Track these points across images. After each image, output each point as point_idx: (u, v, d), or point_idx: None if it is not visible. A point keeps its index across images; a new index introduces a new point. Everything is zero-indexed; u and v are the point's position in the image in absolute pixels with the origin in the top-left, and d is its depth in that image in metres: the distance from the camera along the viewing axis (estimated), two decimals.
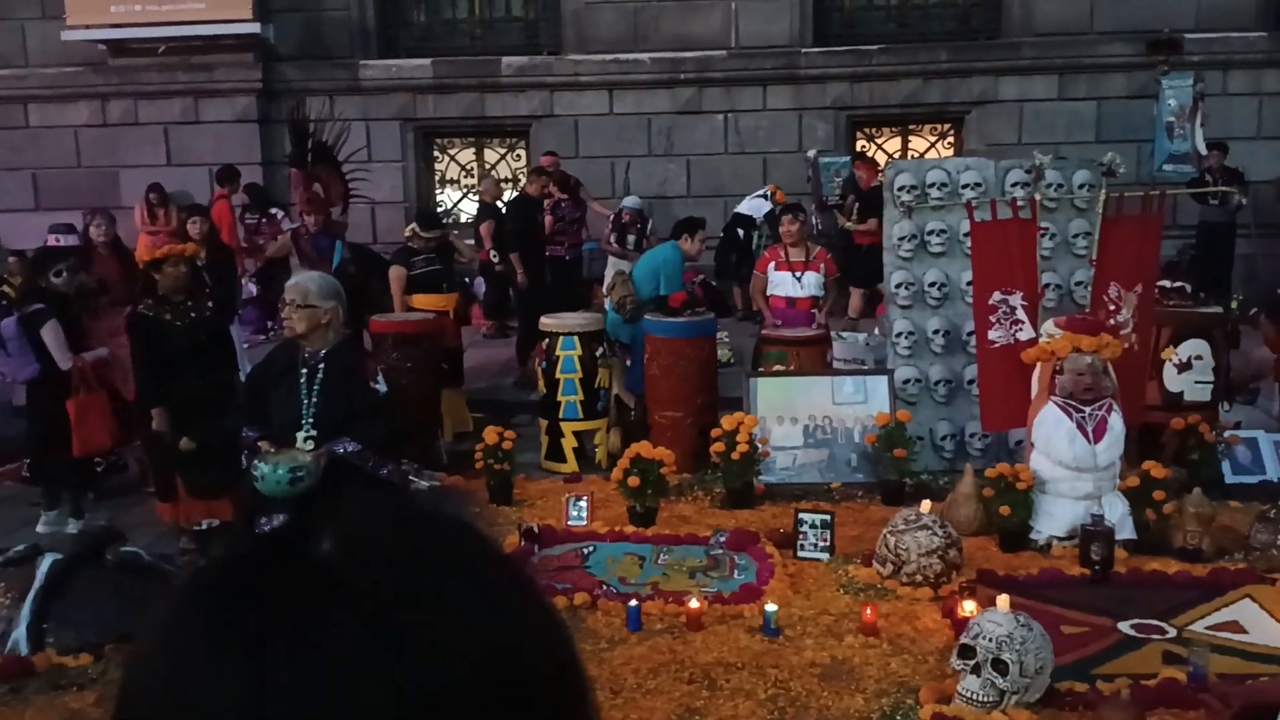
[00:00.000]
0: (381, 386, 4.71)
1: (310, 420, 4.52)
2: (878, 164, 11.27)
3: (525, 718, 0.57)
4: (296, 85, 12.01)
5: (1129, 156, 10.40)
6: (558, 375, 7.12)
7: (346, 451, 4.50)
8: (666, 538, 5.80)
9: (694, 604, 4.76)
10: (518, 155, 13.21)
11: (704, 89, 12.56)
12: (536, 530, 5.78)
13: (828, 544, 5.51)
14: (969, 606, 4.49)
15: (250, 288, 10.83)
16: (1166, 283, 7.80)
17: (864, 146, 12.81)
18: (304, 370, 4.58)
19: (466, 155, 13.35)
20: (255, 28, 12.07)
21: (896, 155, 12.57)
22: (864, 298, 10.20)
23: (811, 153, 12.04)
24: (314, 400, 4.53)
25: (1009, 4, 12.33)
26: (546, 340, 7.22)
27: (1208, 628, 4.58)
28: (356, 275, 7.61)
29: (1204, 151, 8.83)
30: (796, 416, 6.84)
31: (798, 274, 7.66)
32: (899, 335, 7.04)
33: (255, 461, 4.41)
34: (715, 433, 6.34)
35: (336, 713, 0.52)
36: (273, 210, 11.56)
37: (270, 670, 0.53)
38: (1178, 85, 8.67)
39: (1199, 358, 6.71)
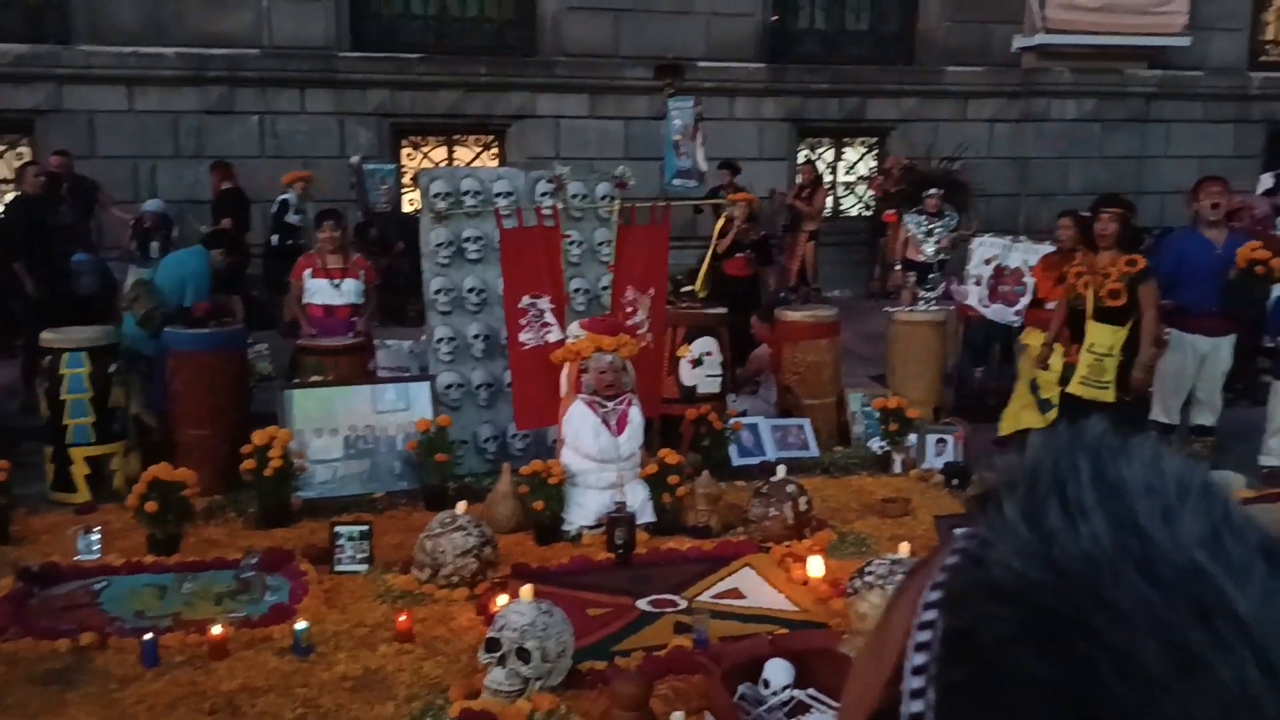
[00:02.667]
0: None
1: None
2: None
3: None
4: None
5: (652, 172, 11.29)
6: (63, 396, 6.42)
7: None
8: (191, 564, 5.41)
9: (217, 630, 4.47)
10: (20, 153, 11.78)
11: (236, 89, 11.94)
12: (36, 570, 5.16)
13: (366, 555, 5.42)
14: (501, 601, 4.60)
15: None
16: (689, 287, 8.53)
17: (409, 155, 12.82)
18: None
19: None
20: None
21: (443, 165, 12.69)
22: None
23: (355, 159, 11.86)
24: None
25: (542, 24, 12.90)
26: (49, 358, 6.48)
27: (713, 596, 5.04)
28: None
29: (704, 168, 9.79)
30: (336, 428, 6.67)
31: (336, 281, 7.49)
32: (440, 341, 7.08)
33: None
34: (246, 449, 6.02)
35: None
36: None
37: None
38: (681, 107, 9.55)
39: (709, 354, 7.39)
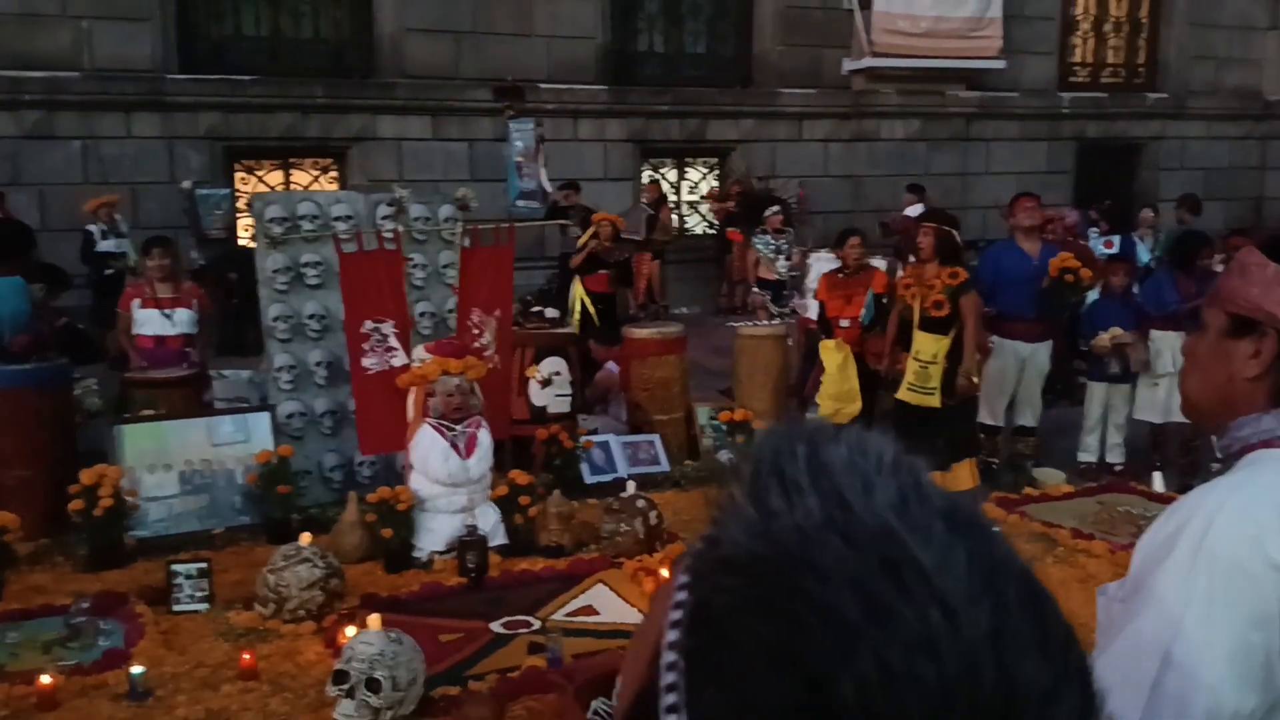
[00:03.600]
0: None
1: None
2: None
3: None
4: None
5: (497, 193, 11.29)
6: None
7: None
8: (15, 613, 5.12)
9: (46, 680, 4.24)
10: None
11: (55, 112, 11.39)
12: None
13: (206, 593, 5.23)
14: (350, 632, 4.50)
15: None
16: (539, 308, 8.55)
17: (244, 179, 12.46)
18: None
19: None
20: None
21: (279, 188, 12.38)
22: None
23: (187, 184, 11.47)
24: None
25: (381, 45, 12.75)
26: None
27: (567, 615, 5.05)
28: None
29: (549, 189, 9.86)
30: (171, 463, 6.41)
31: (167, 311, 7.22)
32: (280, 370, 6.89)
33: None
34: (73, 489, 5.74)
35: None
36: None
37: None
38: (522, 129, 9.60)
39: (558, 373, 7.41)
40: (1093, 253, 9.54)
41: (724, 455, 7.41)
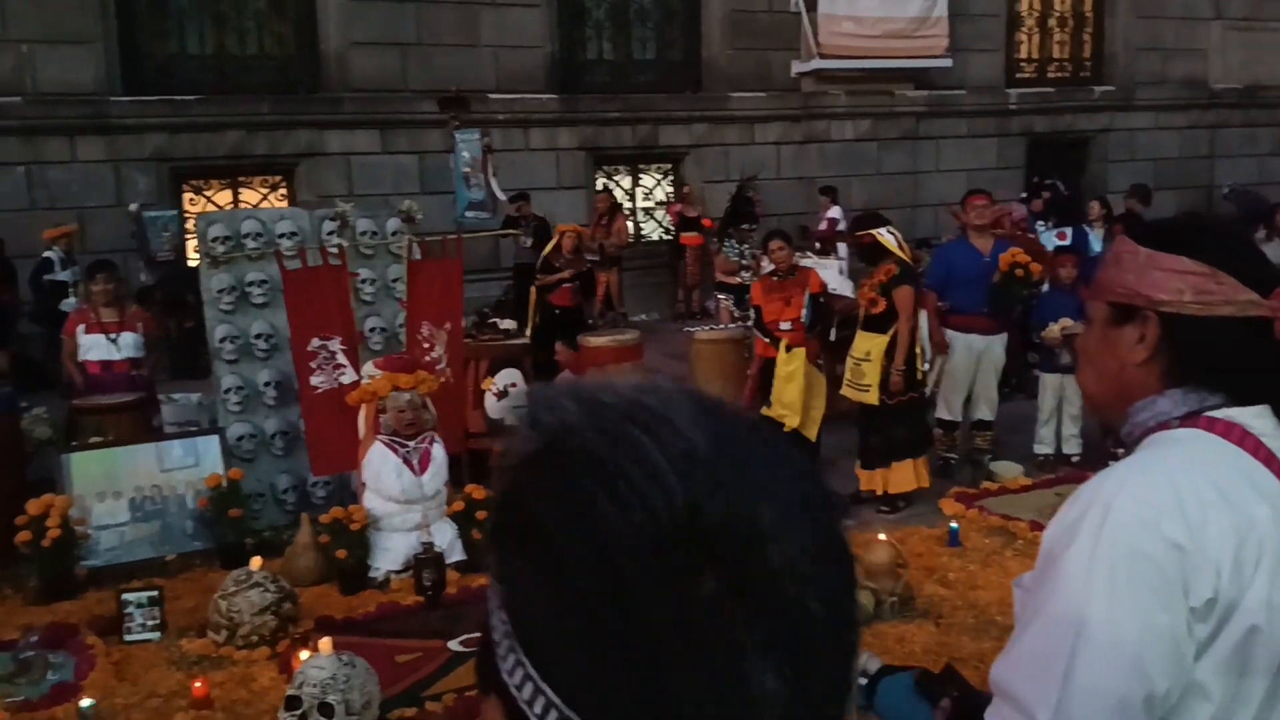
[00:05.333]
0: None
1: None
2: None
3: None
4: None
5: (448, 205, 11.21)
6: None
7: None
8: None
9: None
10: None
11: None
12: None
13: (158, 622, 5.15)
14: (305, 657, 4.44)
15: None
16: (497, 320, 8.50)
17: (192, 200, 12.31)
18: None
19: None
20: None
21: (228, 208, 12.23)
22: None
23: (134, 207, 11.33)
24: None
25: (326, 60, 12.64)
26: None
27: None
28: None
29: (501, 198, 9.80)
30: (121, 490, 6.29)
31: (112, 335, 7.10)
32: (228, 391, 6.79)
33: None
34: (20, 520, 5.62)
35: None
36: None
37: None
38: (468, 139, 9.54)
39: (514, 385, 7.36)
40: (1043, 246, 9.63)
41: None
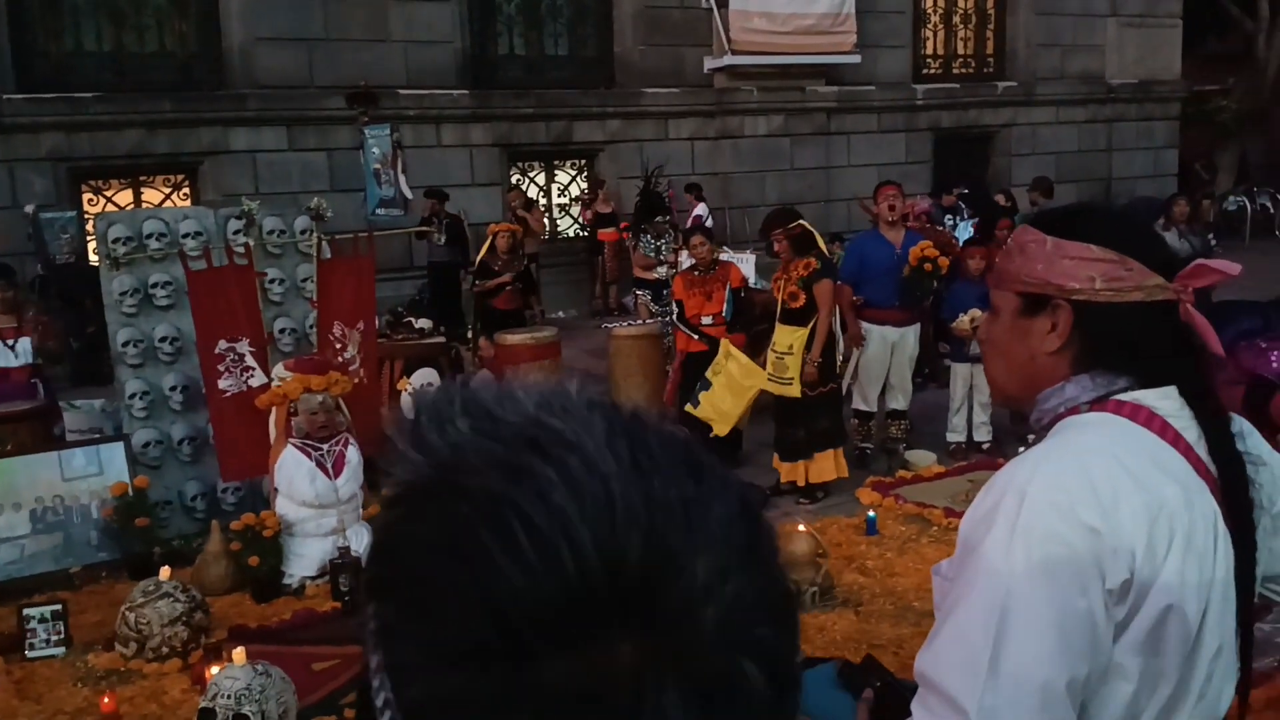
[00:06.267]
0: None
1: None
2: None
3: None
4: None
5: (359, 202, 11.03)
6: None
7: None
8: None
9: None
10: None
11: None
12: None
13: (62, 636, 4.97)
14: (217, 670, 4.31)
15: None
16: (412, 319, 8.38)
17: (91, 200, 11.91)
18: None
19: None
20: None
21: (129, 208, 11.86)
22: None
23: (30, 208, 10.93)
24: None
25: (230, 57, 12.34)
26: None
27: None
28: None
29: (409, 196, 9.65)
30: (20, 501, 6.05)
31: (9, 341, 6.83)
32: (133, 397, 6.58)
33: None
34: None
35: None
36: None
37: None
38: (378, 135, 9.38)
39: (430, 385, 7.25)
40: (953, 239, 9.81)
41: None
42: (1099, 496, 1.27)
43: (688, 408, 7.00)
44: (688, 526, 0.50)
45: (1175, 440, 1.37)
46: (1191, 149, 20.21)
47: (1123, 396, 1.40)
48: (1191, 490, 1.34)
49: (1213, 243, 10.56)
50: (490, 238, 9.70)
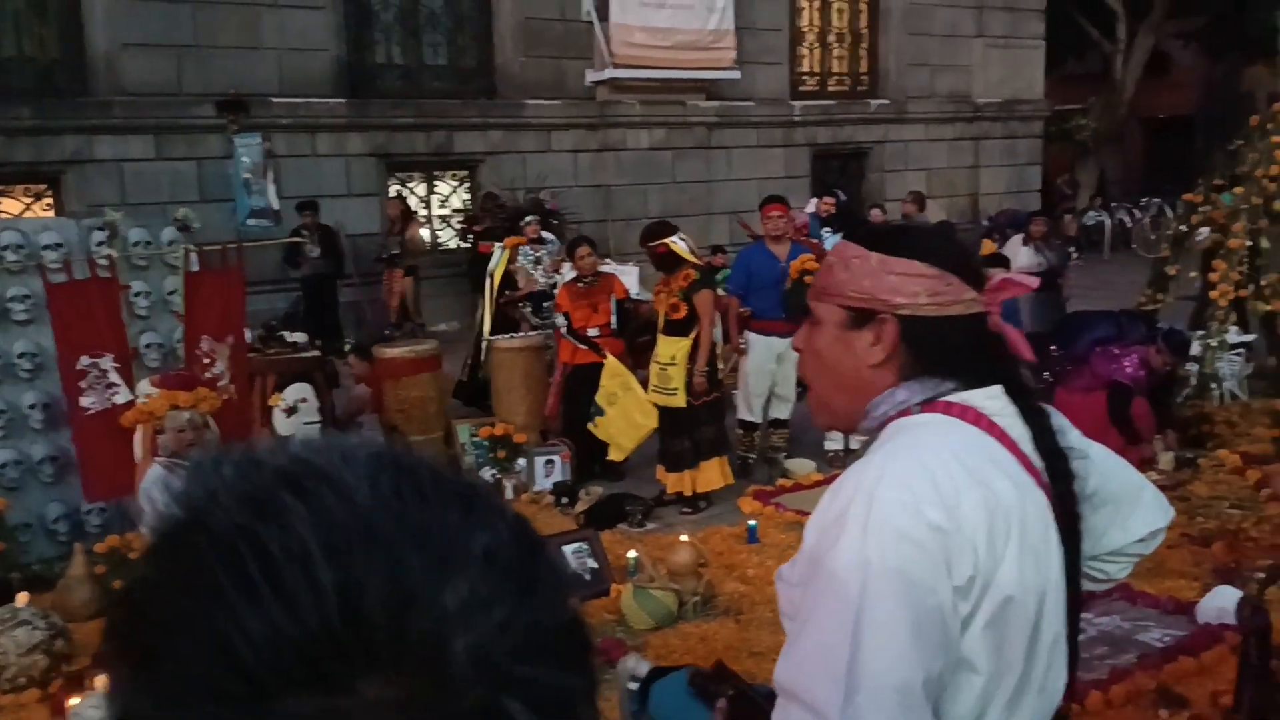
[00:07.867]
0: None
1: None
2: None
3: None
4: None
5: (230, 213, 10.72)
6: None
7: None
8: None
9: None
10: None
11: None
12: None
13: None
14: (76, 702, 4.13)
15: None
16: (285, 333, 8.16)
17: None
18: None
19: None
20: None
21: None
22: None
23: None
24: None
25: (94, 63, 11.87)
26: None
27: None
28: None
29: (277, 207, 9.42)
30: None
31: None
32: None
33: None
34: None
35: None
36: None
37: None
38: (249, 144, 9.14)
39: (304, 400, 7.10)
40: (825, 252, 10.02)
41: (488, 473, 7.30)
42: (942, 494, 1.31)
43: (589, 426, 7.07)
44: (442, 556, 0.48)
45: (1002, 437, 1.43)
46: (1054, 166, 21.12)
47: (951, 397, 1.45)
48: (1022, 485, 1.40)
49: (1074, 256, 11.02)
50: (507, 250, 9.55)
